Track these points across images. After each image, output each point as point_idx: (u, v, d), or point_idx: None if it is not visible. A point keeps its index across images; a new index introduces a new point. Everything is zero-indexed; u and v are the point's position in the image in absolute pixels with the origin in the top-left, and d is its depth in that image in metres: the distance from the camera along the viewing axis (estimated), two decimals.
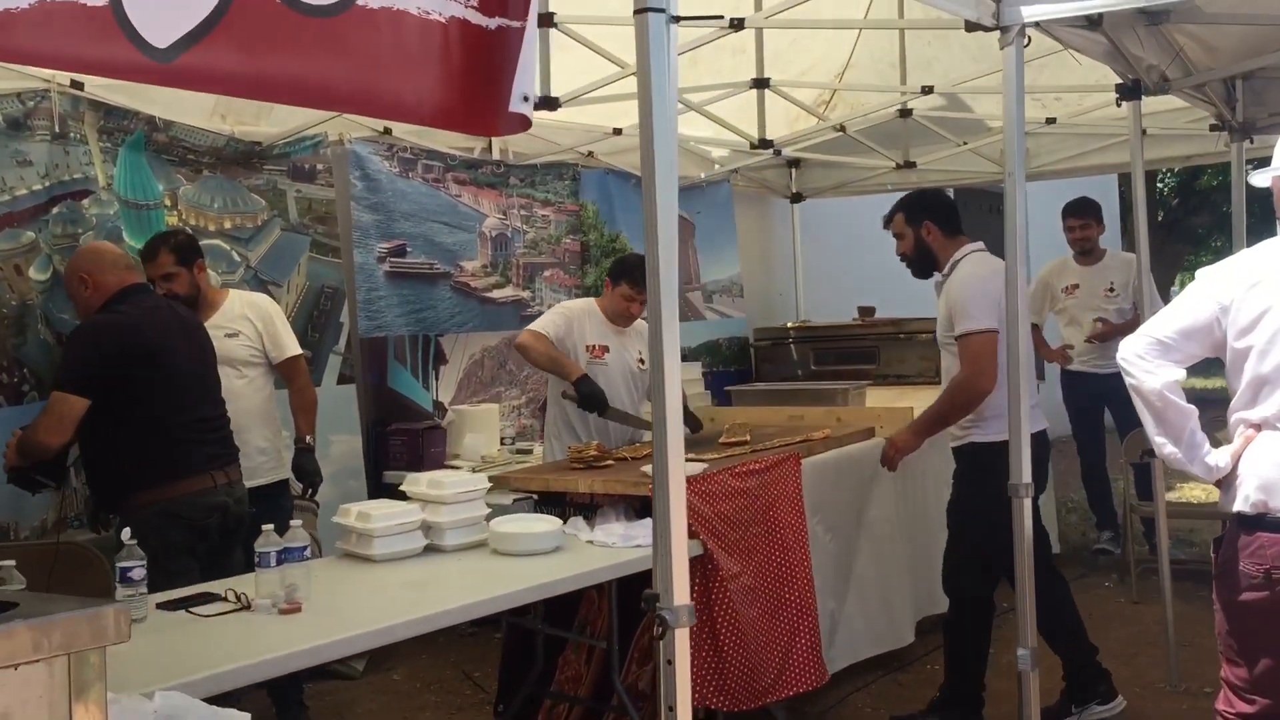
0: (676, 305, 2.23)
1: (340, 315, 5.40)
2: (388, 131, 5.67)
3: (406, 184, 5.81)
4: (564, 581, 3.40)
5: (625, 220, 7.15)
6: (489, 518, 3.75)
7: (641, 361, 4.86)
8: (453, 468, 5.57)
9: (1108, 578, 6.36)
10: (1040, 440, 4.07)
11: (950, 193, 11.32)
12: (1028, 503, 3.49)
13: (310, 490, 4.34)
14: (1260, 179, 2.90)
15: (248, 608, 3.00)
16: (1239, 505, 2.62)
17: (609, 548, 3.65)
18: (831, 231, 8.97)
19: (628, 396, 4.88)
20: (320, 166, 5.41)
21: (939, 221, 4.32)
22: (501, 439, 5.85)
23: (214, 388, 3.94)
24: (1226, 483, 2.68)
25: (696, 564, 3.79)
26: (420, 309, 5.86)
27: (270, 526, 3.07)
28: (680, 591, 2.16)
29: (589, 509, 3.99)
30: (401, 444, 5.58)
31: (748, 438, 4.69)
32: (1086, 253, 6.80)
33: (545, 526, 3.67)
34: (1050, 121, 6.71)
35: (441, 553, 3.64)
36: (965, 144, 7.36)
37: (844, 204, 9.06)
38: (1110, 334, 6.60)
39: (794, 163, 8.21)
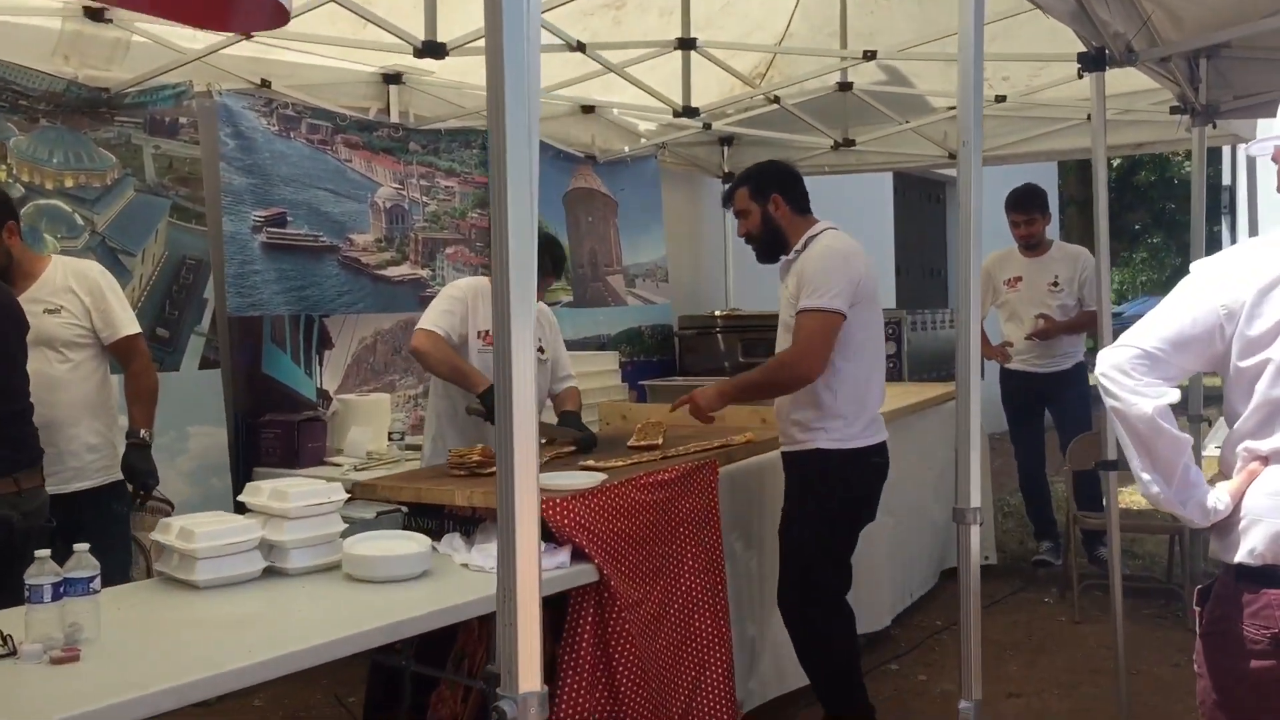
0: (533, 287, 1.66)
1: (204, 290, 4.76)
2: (266, 84, 5.02)
3: (287, 145, 5.17)
4: (428, 618, 2.81)
5: (540, 194, 6.54)
6: (347, 534, 3.17)
7: (541, 350, 4.31)
8: (333, 464, 4.97)
9: (1047, 593, 5.92)
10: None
11: (890, 177, 10.98)
12: (975, 530, 2.97)
13: (142, 494, 3.70)
14: (1259, 149, 2.39)
15: (13, 654, 2.38)
16: (1241, 556, 2.11)
17: (488, 573, 3.08)
18: None
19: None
20: (183, 120, 4.75)
21: (789, 196, 3.83)
22: (390, 434, 5.24)
23: (9, 375, 3.26)
24: (1224, 526, 2.17)
25: (590, 592, 3.23)
26: (302, 286, 5.22)
27: (46, 553, 2.45)
28: (528, 673, 1.60)
29: (470, 524, 3.42)
30: (274, 438, 4.95)
31: (660, 441, 4.14)
32: (1032, 246, 6.34)
33: (410, 547, 3.09)
34: (1000, 100, 6.23)
35: (285, 577, 3.04)
36: (907, 122, 6.88)
37: None
38: (1052, 331, 6.17)
39: (726, 140, 7.67)
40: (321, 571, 3.08)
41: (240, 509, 3.17)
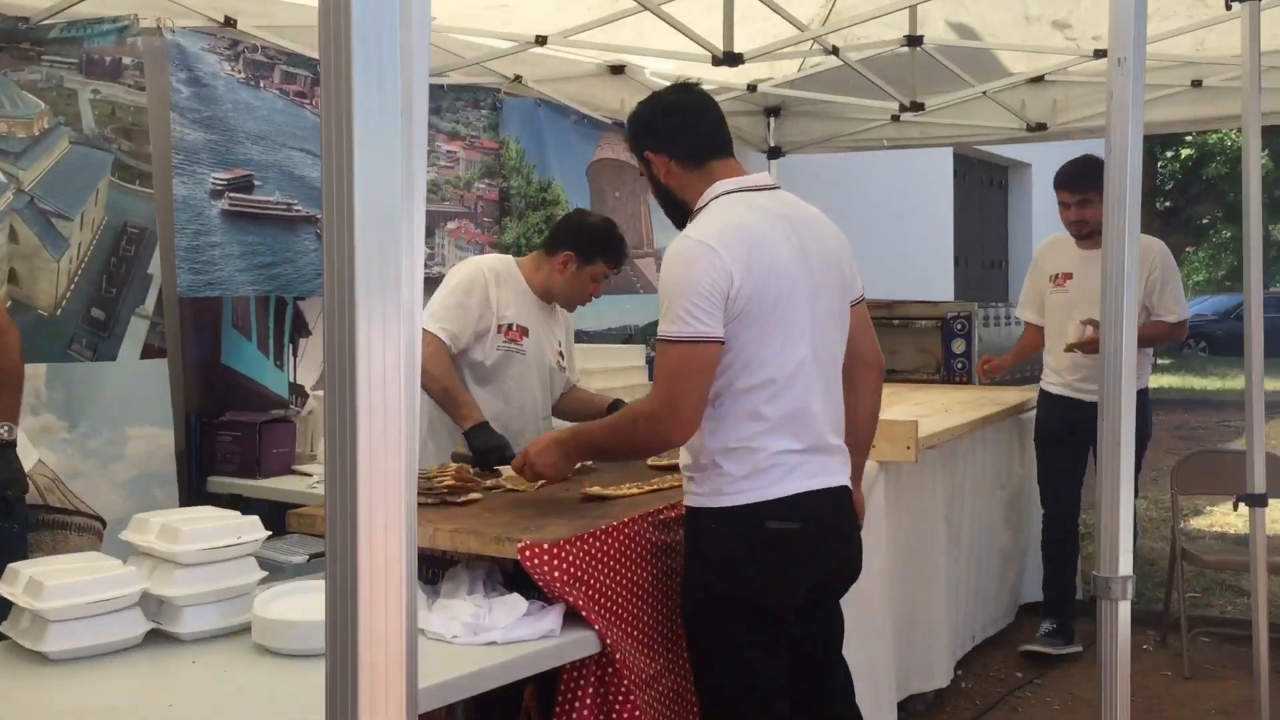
0: (411, 288, 0.86)
1: (149, 265, 3.98)
2: (230, 23, 4.23)
3: (255, 95, 4.38)
4: None
5: (560, 164, 5.75)
6: (265, 583, 2.39)
7: (561, 355, 3.71)
8: (302, 474, 4.21)
9: (1144, 637, 5.03)
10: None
11: (950, 156, 10.10)
12: (1125, 607, 2.12)
13: (1, 508, 2.91)
14: None
15: None
16: None
17: (445, 643, 2.28)
18: (815, 193, 7.56)
19: (541, 397, 3.65)
20: (128, 61, 3.97)
21: (666, 143, 2.63)
22: None
23: None
24: None
25: (589, 667, 2.43)
26: (272, 263, 4.44)
27: None
28: None
29: (438, 567, 2.63)
30: (232, 441, 4.18)
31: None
32: (1087, 234, 4.85)
33: None
34: (1099, 55, 5.31)
35: (175, 646, 2.26)
36: (984, 92, 6.00)
37: (832, 162, 7.71)
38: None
39: (773, 110, 6.82)
40: (226, 637, 2.30)
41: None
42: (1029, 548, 5.11)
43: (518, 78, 5.46)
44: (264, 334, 4.46)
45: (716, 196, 2.57)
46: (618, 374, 5.07)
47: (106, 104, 3.93)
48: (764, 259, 2.45)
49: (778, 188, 2.71)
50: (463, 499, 2.78)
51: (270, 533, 2.43)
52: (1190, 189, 18.30)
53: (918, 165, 8.39)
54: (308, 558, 2.50)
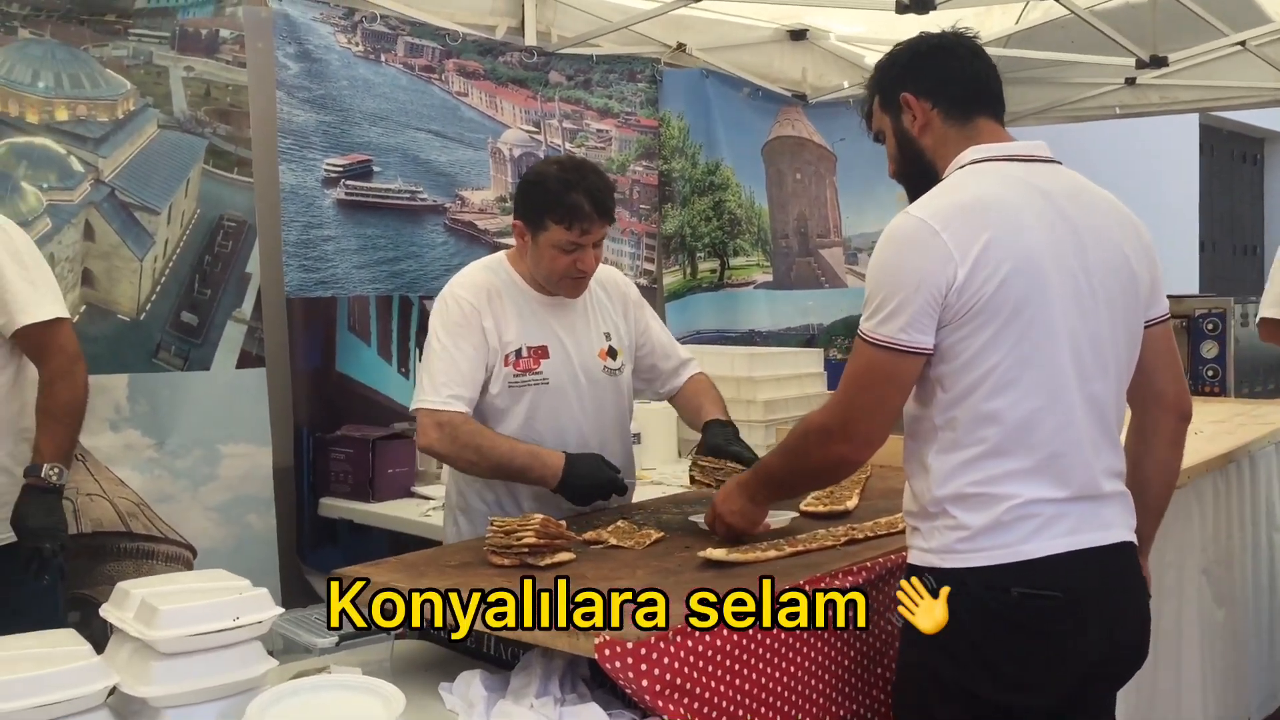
0: None
1: (247, 263, 3.55)
2: None
3: (375, 70, 3.90)
4: None
5: (731, 144, 5.09)
6: (286, 663, 1.84)
7: (611, 353, 2.67)
8: (422, 497, 3.70)
9: None
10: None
11: (1196, 120, 8.83)
12: None
13: (36, 562, 2.45)
14: None
15: None
16: None
17: None
18: None
19: (590, 424, 2.64)
20: (226, 34, 3.55)
21: (928, 87, 2.00)
22: None
23: None
24: None
25: None
26: (395, 258, 3.96)
27: None
28: None
29: (510, 649, 2.03)
30: (345, 459, 3.71)
31: (854, 499, 2.62)
32: None
33: (369, 714, 1.72)
34: None
35: None
36: (1241, 43, 4.97)
37: (1050, 135, 6.74)
38: None
39: None
40: None
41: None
42: None
43: (681, 46, 4.83)
44: (385, 338, 3.97)
45: (964, 165, 1.96)
46: (790, 382, 4.38)
47: (200, 82, 3.51)
48: (1005, 246, 1.83)
49: (1051, 160, 2.01)
50: (547, 561, 2.15)
51: (282, 610, 1.87)
52: None
53: (1156, 137, 7.30)
54: (338, 640, 1.93)
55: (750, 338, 5.10)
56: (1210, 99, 5.96)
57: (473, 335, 2.51)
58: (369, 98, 3.87)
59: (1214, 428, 3.91)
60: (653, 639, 1.76)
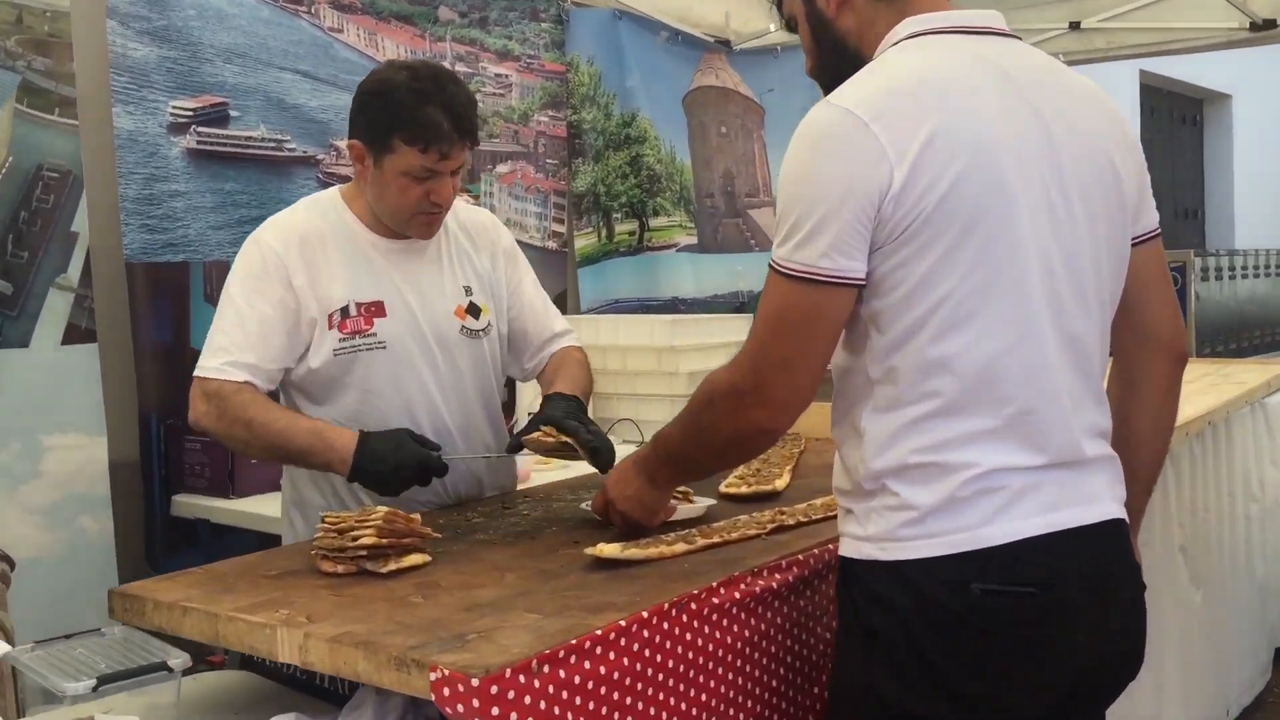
0: None
1: (73, 220, 3.02)
2: None
3: (231, 1, 3.39)
4: None
5: (648, 93, 4.62)
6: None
7: (472, 310, 2.15)
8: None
9: None
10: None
11: (1136, 80, 8.51)
12: None
13: None
14: None
15: None
16: None
17: None
18: None
19: (445, 396, 2.14)
20: None
21: None
22: None
23: None
24: None
25: None
26: (260, 217, 3.32)
27: None
28: None
29: (344, 690, 1.57)
30: (200, 450, 3.21)
31: (785, 478, 2.18)
32: None
33: None
34: None
35: None
36: None
37: None
38: None
39: None
40: None
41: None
42: None
43: None
44: None
45: (898, 41, 1.53)
46: (716, 352, 3.93)
47: (11, 6, 2.97)
48: (955, 138, 1.41)
49: (1006, 33, 1.56)
50: (391, 566, 1.68)
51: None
52: None
53: None
54: (95, 683, 1.44)
55: (674, 306, 4.66)
56: (1159, 42, 5.60)
57: (271, 291, 2.01)
58: (222, 30, 3.36)
59: (1184, 389, 3.53)
60: (508, 671, 1.30)
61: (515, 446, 2.07)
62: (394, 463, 1.90)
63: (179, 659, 1.61)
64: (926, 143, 1.39)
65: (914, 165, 1.39)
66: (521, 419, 3.72)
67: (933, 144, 1.39)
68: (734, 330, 4.15)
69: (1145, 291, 1.64)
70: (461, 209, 2.25)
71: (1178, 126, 9.45)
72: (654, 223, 4.68)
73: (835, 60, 1.60)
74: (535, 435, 1.98)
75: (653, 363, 3.92)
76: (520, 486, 2.40)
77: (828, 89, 1.54)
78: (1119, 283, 1.58)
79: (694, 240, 4.83)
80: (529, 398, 3.63)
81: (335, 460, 1.93)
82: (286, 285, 2.01)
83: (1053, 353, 1.47)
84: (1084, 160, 1.51)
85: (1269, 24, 4.88)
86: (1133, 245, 1.59)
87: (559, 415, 2.01)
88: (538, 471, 3.05)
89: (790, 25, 1.69)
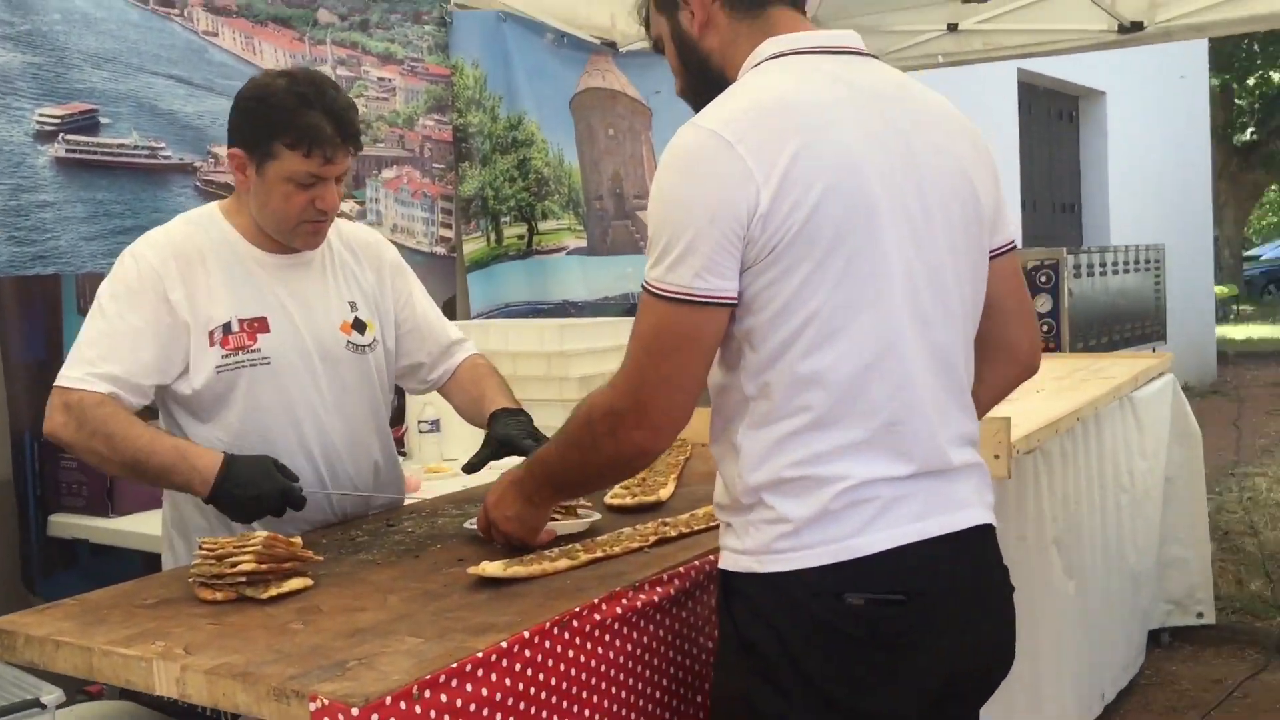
0: None
1: None
2: None
3: (96, 2, 3.29)
4: None
5: (535, 96, 4.61)
6: None
7: (358, 325, 2.13)
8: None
9: None
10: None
11: (1015, 77, 8.77)
12: None
13: None
14: None
15: None
16: None
17: None
18: None
19: (331, 414, 2.11)
20: None
21: None
22: None
23: None
24: None
25: None
26: (135, 227, 3.32)
27: None
28: None
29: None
30: (76, 468, 3.11)
31: (670, 486, 2.21)
32: None
33: None
34: None
35: None
36: None
37: None
38: None
39: None
40: None
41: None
42: (1161, 565, 3.98)
43: None
44: None
45: (760, 62, 1.56)
46: (608, 356, 3.93)
47: None
48: (818, 157, 1.45)
49: (863, 52, 1.61)
50: (271, 591, 1.66)
51: None
52: (1271, 120, 16.71)
53: (979, 93, 7.15)
54: None
55: (564, 309, 4.65)
56: (1035, 43, 5.78)
57: (145, 305, 1.96)
58: (89, 35, 3.25)
59: (1055, 384, 3.67)
60: (389, 699, 1.30)
61: (472, 468, 2.11)
62: (255, 491, 1.87)
63: (52, 695, 1.58)
64: (791, 162, 1.42)
65: (779, 185, 1.42)
66: (412, 428, 3.69)
67: (797, 163, 1.43)
68: (624, 333, 4.14)
69: (1005, 302, 1.70)
70: (345, 226, 2.23)
71: (1055, 123, 9.74)
72: (543, 226, 4.67)
73: (701, 80, 1.63)
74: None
75: (543, 368, 3.90)
76: (410, 498, 2.39)
77: (696, 108, 1.57)
78: (980, 294, 1.64)
79: (583, 243, 4.84)
80: (418, 408, 3.60)
81: (196, 480, 1.89)
82: (161, 298, 1.97)
83: (918, 364, 1.52)
84: (943, 176, 1.56)
85: (1136, 26, 5.08)
86: (990, 259, 1.65)
87: (515, 435, 2.05)
88: (428, 481, 3.04)
89: (657, 46, 1.71)
